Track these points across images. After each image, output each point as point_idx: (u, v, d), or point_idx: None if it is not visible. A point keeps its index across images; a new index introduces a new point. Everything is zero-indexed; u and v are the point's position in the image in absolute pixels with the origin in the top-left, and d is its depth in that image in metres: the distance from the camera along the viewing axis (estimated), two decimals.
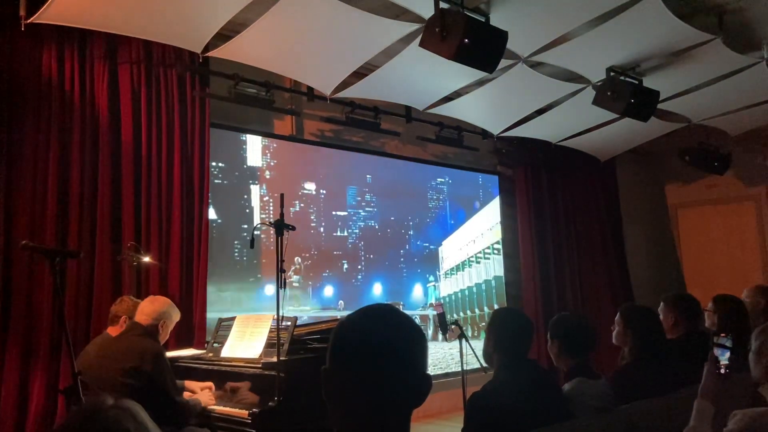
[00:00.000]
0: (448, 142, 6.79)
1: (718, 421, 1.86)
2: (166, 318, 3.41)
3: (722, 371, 2.03)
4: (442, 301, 6.84)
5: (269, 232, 5.11)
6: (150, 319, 3.33)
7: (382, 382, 1.08)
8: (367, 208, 6.44)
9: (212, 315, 4.73)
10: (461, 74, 5.07)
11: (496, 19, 4.23)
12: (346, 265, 6.22)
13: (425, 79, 5.40)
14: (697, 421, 2.01)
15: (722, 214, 8.61)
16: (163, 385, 3.12)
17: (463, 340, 4.65)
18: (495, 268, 7.58)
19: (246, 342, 3.63)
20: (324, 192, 6.08)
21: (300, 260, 5.80)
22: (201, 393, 3.51)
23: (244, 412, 3.27)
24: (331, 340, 1.14)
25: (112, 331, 3.66)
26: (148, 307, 3.38)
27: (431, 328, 6.66)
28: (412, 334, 1.14)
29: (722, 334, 2.07)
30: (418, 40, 4.25)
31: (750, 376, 2.02)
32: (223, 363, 3.61)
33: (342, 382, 1.10)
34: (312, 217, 5.99)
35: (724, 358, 2.04)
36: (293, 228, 3.48)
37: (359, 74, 5.32)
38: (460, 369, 4.65)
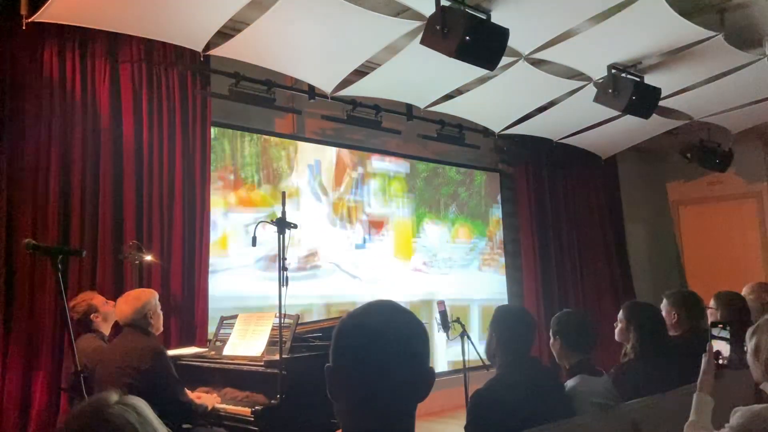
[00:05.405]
0: (450, 140, 6.77)
1: (719, 417, 1.87)
2: (148, 309, 3.30)
3: (720, 362, 2.04)
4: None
5: None
6: (131, 319, 3.26)
7: (385, 378, 1.08)
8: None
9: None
10: (462, 72, 5.06)
11: (498, 17, 4.22)
12: None
13: (426, 76, 5.38)
14: (697, 414, 2.01)
15: (724, 211, 8.60)
16: (164, 383, 3.12)
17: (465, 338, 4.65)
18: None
19: (248, 340, 3.63)
20: None
21: None
22: (205, 396, 3.49)
23: (247, 410, 3.28)
24: (334, 338, 1.14)
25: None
26: (125, 307, 3.28)
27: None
28: (413, 328, 1.14)
29: (720, 326, 2.07)
30: (419, 37, 4.25)
31: (751, 373, 2.02)
32: (225, 361, 3.61)
33: (346, 380, 1.10)
34: None
35: (723, 349, 2.04)
36: (295, 226, 3.48)
37: (360, 72, 5.32)
38: (462, 367, 4.65)
